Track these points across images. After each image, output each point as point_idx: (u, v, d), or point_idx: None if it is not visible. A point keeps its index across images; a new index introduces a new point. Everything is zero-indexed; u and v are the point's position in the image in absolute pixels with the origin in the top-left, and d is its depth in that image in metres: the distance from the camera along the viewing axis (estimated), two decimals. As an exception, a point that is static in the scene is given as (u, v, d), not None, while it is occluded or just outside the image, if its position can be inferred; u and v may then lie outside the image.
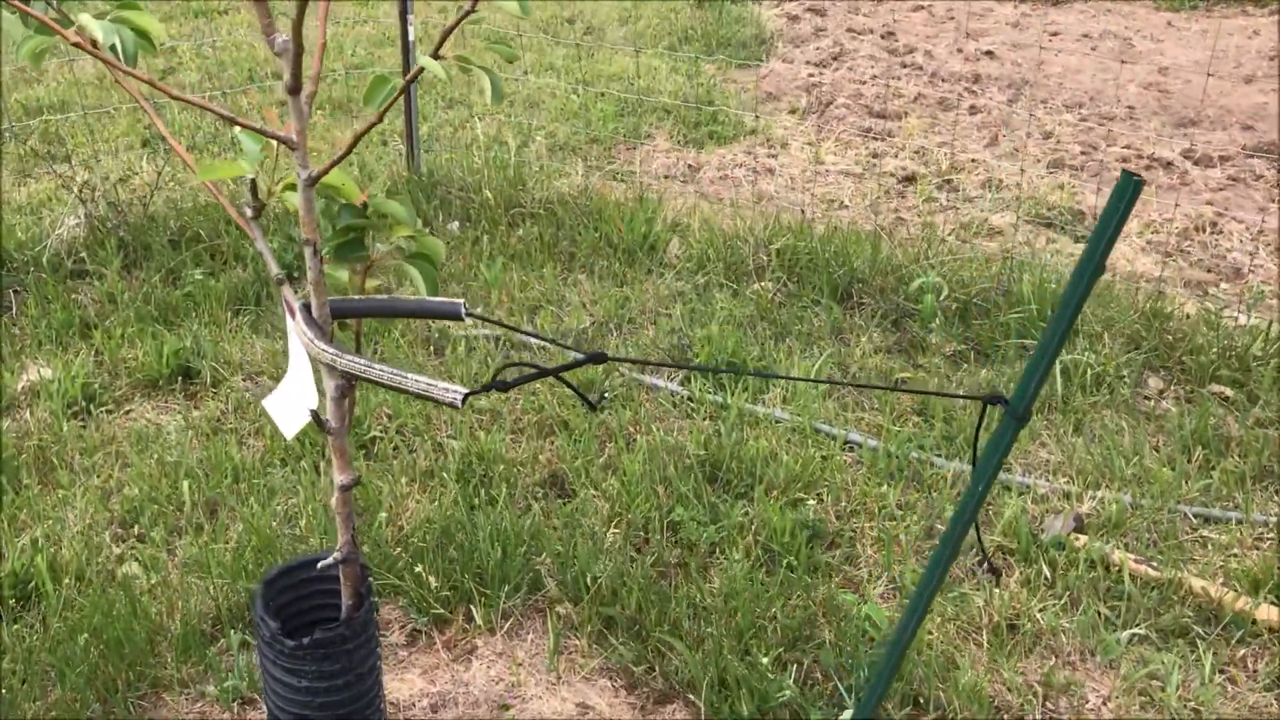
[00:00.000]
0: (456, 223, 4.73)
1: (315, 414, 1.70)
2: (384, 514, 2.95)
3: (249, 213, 1.68)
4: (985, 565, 2.16)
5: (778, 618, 2.68)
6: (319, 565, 1.75)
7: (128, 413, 3.54)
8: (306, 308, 1.67)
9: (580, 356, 1.65)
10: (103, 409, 3.52)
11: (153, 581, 2.77)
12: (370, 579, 1.87)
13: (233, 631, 2.62)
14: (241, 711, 2.44)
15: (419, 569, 2.73)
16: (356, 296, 1.71)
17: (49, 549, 2.85)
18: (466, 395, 1.56)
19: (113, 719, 2.41)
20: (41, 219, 4.58)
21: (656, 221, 4.67)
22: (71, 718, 2.39)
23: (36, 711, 2.40)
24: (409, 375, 1.58)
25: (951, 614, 2.77)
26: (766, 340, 3.90)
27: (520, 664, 2.63)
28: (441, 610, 2.72)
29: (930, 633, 2.69)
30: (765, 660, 2.49)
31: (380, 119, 1.50)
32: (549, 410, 3.46)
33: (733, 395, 3.55)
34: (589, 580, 2.75)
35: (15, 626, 2.62)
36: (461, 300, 1.67)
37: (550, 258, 4.48)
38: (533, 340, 3.88)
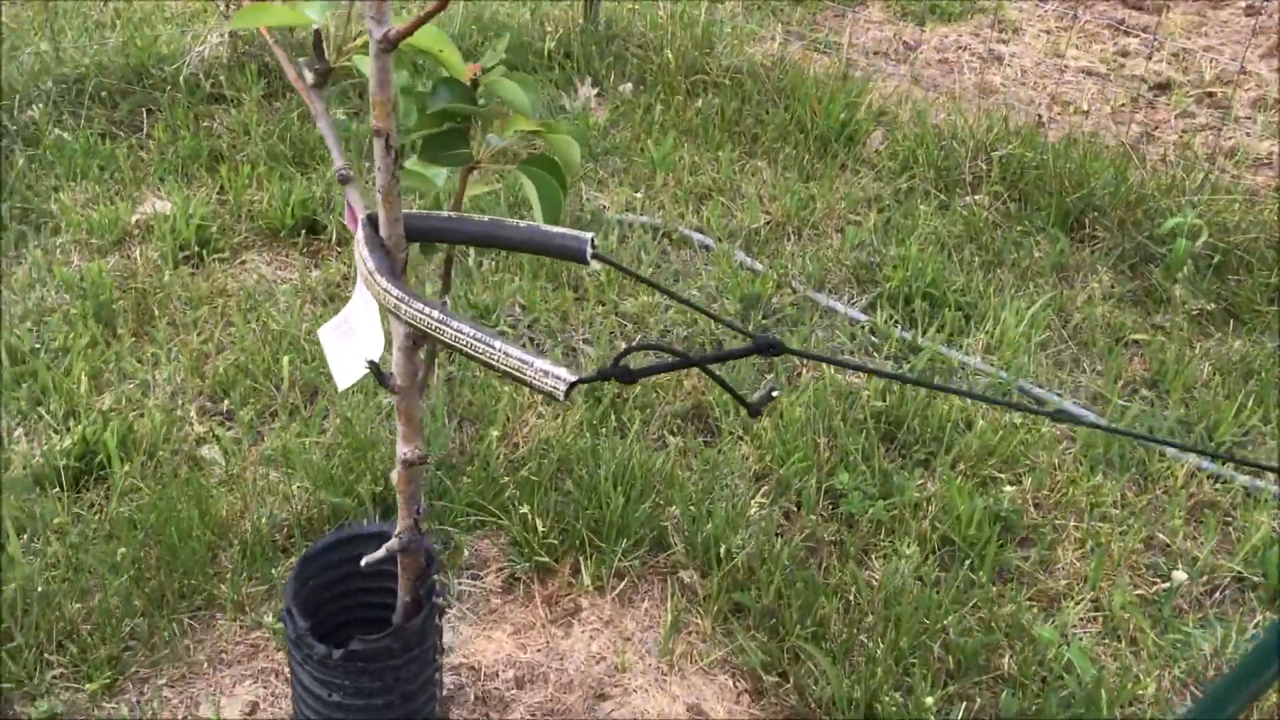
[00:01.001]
0: (630, 84, 4.17)
1: (375, 366, 1.24)
2: (496, 431, 2.53)
3: (309, 78, 1.19)
4: None
5: (949, 633, 2.17)
6: (363, 562, 1.31)
7: (242, 263, 3.18)
8: (373, 222, 1.18)
9: (748, 345, 1.13)
10: (216, 256, 3.17)
11: (230, 472, 2.42)
12: (436, 576, 1.43)
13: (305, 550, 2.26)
14: (299, 654, 2.09)
15: (525, 510, 2.30)
16: (446, 212, 1.21)
17: (128, 414, 2.54)
18: (572, 385, 1.07)
19: (156, 639, 2.09)
20: (186, 33, 4.21)
21: (859, 107, 4.01)
22: (110, 628, 2.07)
23: (74, 615, 2.09)
24: (497, 344, 1.09)
25: (1170, 656, 2.21)
26: (974, 270, 3.27)
27: (629, 639, 2.20)
28: (546, 559, 2.30)
29: (1140, 679, 2.14)
30: (930, 700, 1.99)
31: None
32: (702, 325, 2.96)
33: (925, 334, 2.97)
34: (723, 552, 2.28)
35: (74, 509, 2.31)
36: (590, 235, 1.17)
37: (729, 138, 3.89)
38: (695, 237, 3.35)
